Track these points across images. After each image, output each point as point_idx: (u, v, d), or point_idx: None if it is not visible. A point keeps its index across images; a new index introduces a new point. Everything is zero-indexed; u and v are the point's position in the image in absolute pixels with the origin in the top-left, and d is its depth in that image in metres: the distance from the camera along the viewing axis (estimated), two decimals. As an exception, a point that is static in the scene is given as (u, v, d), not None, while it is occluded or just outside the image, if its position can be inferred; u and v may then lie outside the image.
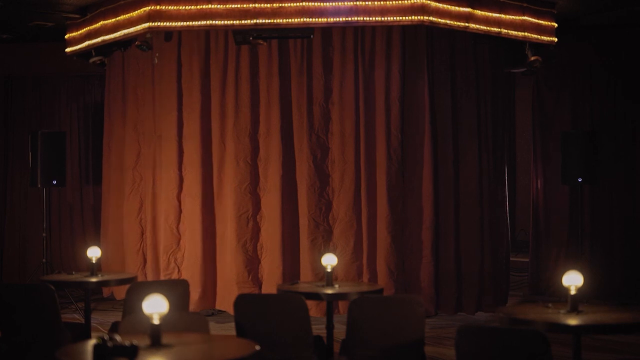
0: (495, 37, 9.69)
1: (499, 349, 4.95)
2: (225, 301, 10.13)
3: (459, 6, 9.23)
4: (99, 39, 10.01)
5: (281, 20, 9.14)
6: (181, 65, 10.33)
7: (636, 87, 11.48)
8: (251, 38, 9.45)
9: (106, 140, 11.20)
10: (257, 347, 4.61)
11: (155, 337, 4.48)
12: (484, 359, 4.99)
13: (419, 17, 8.98)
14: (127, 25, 9.53)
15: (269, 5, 9.10)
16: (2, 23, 11.21)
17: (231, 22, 9.23)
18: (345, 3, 9.05)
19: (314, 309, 9.50)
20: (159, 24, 9.26)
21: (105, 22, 9.85)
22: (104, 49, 10.38)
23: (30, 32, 11.60)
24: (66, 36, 10.65)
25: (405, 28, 9.87)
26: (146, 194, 10.61)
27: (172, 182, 10.30)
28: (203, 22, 9.26)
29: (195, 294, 9.68)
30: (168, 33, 10.13)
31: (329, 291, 6.95)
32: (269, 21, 9.14)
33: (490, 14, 9.41)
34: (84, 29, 10.29)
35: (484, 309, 10.25)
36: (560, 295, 10.56)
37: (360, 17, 9.08)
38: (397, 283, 9.89)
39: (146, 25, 9.26)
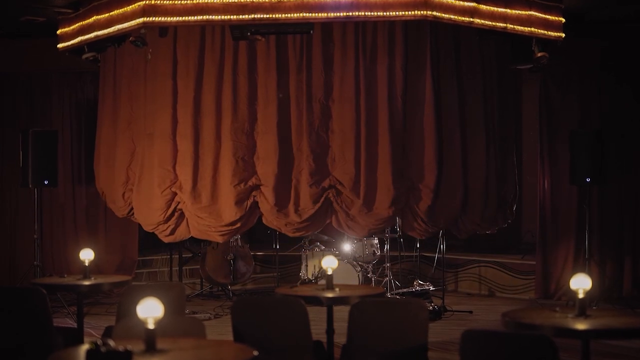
0: (501, 33, 9.55)
1: (505, 355, 4.88)
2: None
3: (463, 0, 9.10)
4: (92, 35, 9.88)
5: (280, 16, 9.03)
6: (177, 62, 10.24)
7: (645, 84, 11.37)
8: (249, 34, 9.40)
9: (98, 138, 11.07)
10: (255, 353, 4.56)
11: (150, 342, 4.41)
12: (489, 365, 4.93)
13: (422, 12, 8.88)
14: (121, 20, 9.39)
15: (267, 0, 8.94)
16: (-8, 18, 11.10)
17: (228, 17, 9.11)
18: (346, -2, 8.93)
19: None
20: (153, 19, 9.15)
21: (99, 17, 9.71)
22: (97, 44, 10.23)
23: (21, 27, 11.45)
24: (58, 32, 10.51)
25: (407, 23, 9.77)
26: (140, 193, 10.48)
27: (166, 180, 10.20)
28: (199, 17, 9.14)
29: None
30: (163, 28, 10.01)
31: (330, 295, 6.80)
32: (267, 16, 9.03)
33: (495, 8, 9.32)
34: (77, 25, 10.15)
35: None
36: (568, 298, 10.41)
37: (361, 12, 9.00)
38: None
39: (141, 20, 9.13)
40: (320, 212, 9.96)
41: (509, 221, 10.77)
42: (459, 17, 9.08)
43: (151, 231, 10.68)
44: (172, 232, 10.39)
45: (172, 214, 10.25)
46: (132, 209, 10.64)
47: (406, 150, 9.97)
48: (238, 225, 10.14)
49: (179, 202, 10.20)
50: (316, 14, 8.99)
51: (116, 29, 9.48)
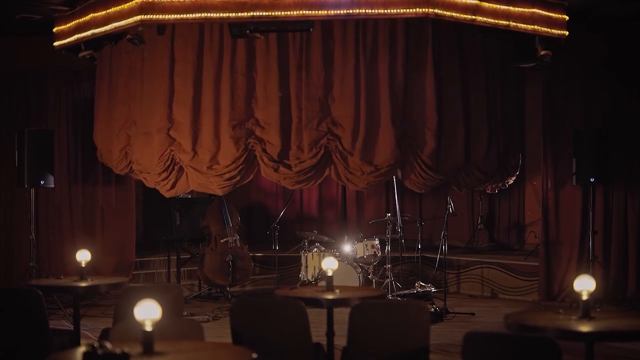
0: (504, 31, 9.48)
1: (508, 357, 4.86)
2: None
3: (465, -2, 9.04)
4: (89, 33, 9.87)
5: (279, 13, 9.06)
6: (174, 60, 10.17)
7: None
8: (248, 31, 9.40)
9: (95, 136, 11.02)
10: (254, 355, 4.55)
11: (148, 344, 4.39)
12: (492, 368, 4.91)
13: (423, 10, 8.87)
14: (118, 18, 9.38)
15: (266, -3, 8.95)
16: (-13, 16, 11.04)
17: (227, 14, 9.14)
18: (347, -5, 8.89)
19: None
20: (151, 16, 9.15)
21: (95, 14, 9.70)
22: (94, 42, 10.25)
23: (16, 25, 11.38)
24: (54, 29, 10.47)
25: (409, 20, 9.72)
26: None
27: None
28: (198, 15, 9.16)
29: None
30: (161, 26, 9.97)
31: (330, 296, 6.74)
32: (267, 14, 9.06)
33: (498, 6, 9.32)
34: (73, 22, 10.12)
35: None
36: (572, 300, 10.32)
37: (362, 9, 9.03)
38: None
39: (138, 18, 9.12)
40: (320, 165, 9.93)
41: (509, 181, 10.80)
42: (461, 15, 9.07)
43: (153, 187, 10.69)
44: (173, 186, 10.39)
45: (173, 168, 10.23)
46: (132, 167, 10.65)
47: (409, 148, 9.91)
48: (237, 178, 10.11)
49: (178, 159, 10.22)
50: (316, 12, 9.01)
51: (113, 27, 9.47)
